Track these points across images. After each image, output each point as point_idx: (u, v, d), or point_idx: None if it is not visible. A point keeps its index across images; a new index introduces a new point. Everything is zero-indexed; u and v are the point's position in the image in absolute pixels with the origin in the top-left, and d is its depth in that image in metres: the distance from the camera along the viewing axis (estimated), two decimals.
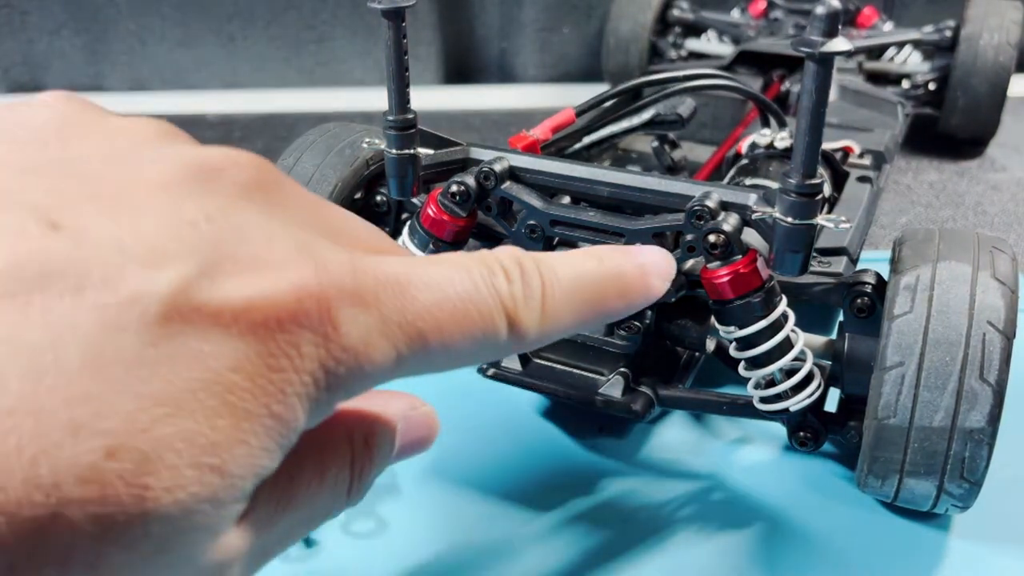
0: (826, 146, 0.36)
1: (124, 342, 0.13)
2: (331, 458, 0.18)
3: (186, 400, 0.13)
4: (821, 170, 0.22)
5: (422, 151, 0.28)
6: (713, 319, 0.27)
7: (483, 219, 0.29)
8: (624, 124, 0.38)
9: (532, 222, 0.28)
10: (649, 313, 0.29)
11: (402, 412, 0.20)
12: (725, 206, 0.25)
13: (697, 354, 0.31)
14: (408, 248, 0.30)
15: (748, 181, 0.37)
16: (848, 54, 0.20)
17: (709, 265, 0.25)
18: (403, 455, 0.20)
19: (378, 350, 0.15)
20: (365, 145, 0.30)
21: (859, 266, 0.29)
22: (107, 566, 0.13)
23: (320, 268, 0.15)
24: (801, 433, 0.28)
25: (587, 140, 0.36)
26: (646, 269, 0.21)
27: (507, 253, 0.18)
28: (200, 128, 0.67)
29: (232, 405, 0.14)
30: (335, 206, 0.19)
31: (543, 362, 0.30)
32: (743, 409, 0.28)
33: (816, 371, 0.27)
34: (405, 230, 0.30)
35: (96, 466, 0.12)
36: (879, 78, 0.57)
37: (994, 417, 0.23)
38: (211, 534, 0.14)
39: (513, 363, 0.30)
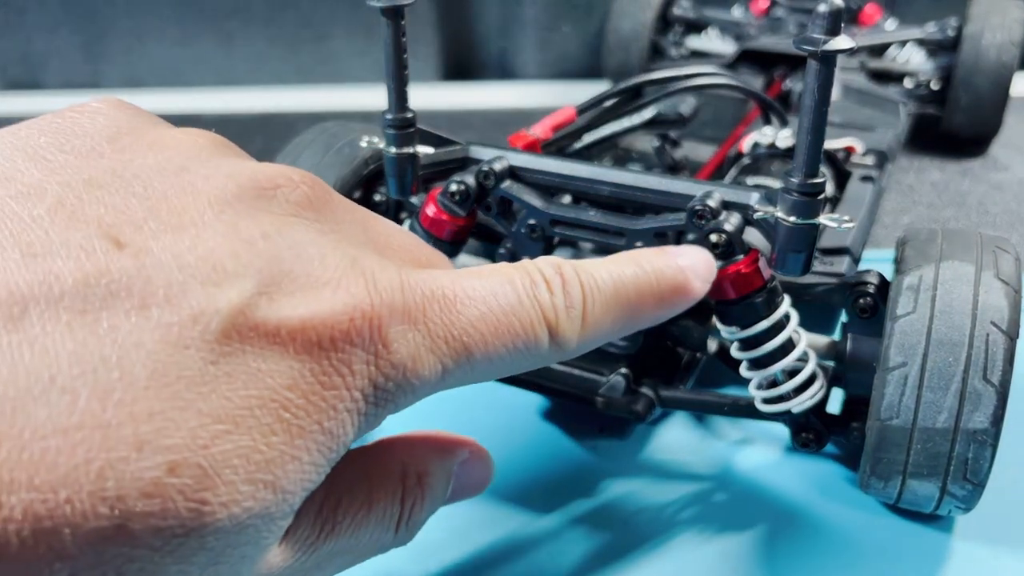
0: (828, 145, 0.36)
1: (187, 360, 0.13)
2: (380, 490, 0.18)
3: (243, 417, 0.13)
4: (823, 169, 0.22)
5: (421, 150, 0.28)
6: (715, 319, 0.26)
7: (483, 219, 0.29)
8: (625, 123, 0.37)
9: (532, 222, 0.28)
10: None
11: (459, 455, 0.20)
12: (727, 205, 0.25)
13: (698, 355, 0.31)
14: None
15: (750, 180, 0.37)
16: (850, 52, 0.20)
17: None
18: (456, 498, 0.20)
19: (425, 365, 0.16)
20: (364, 144, 0.30)
21: (861, 266, 0.29)
22: None
23: (371, 286, 0.15)
24: (803, 434, 0.27)
25: (588, 139, 0.36)
26: (686, 272, 0.21)
27: (548, 262, 0.18)
28: (198, 127, 0.66)
29: (286, 422, 0.14)
30: (381, 218, 0.19)
31: None
32: (745, 410, 0.28)
33: (819, 372, 0.27)
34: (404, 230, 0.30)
35: (159, 481, 0.12)
36: (882, 77, 0.56)
37: (997, 418, 0.23)
38: (259, 549, 0.14)
39: None
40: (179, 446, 0.13)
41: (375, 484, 0.18)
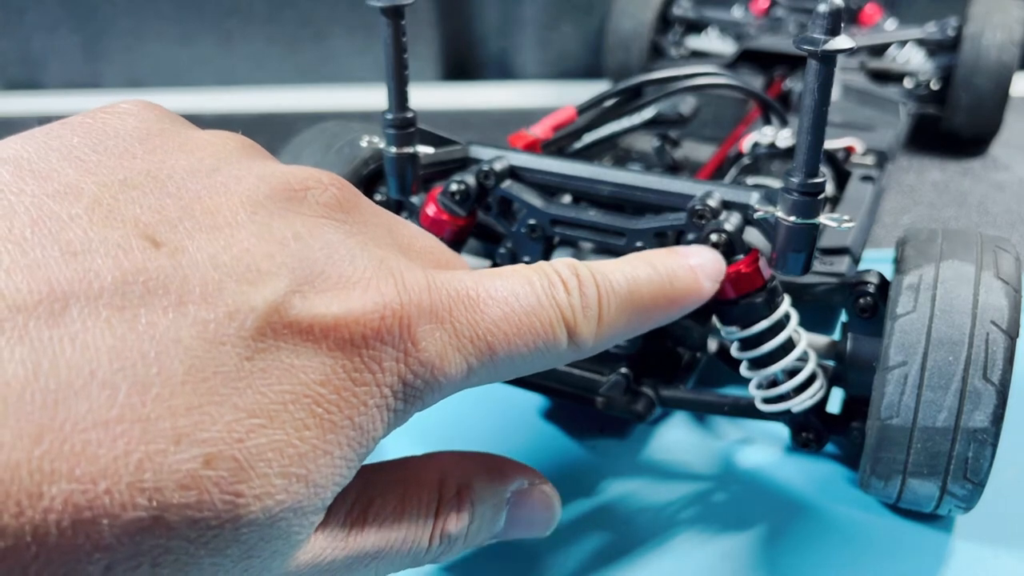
0: (828, 145, 0.36)
1: (223, 355, 0.13)
2: (415, 496, 0.18)
3: (278, 412, 0.14)
4: (824, 169, 0.22)
5: (421, 150, 0.28)
6: (715, 319, 0.26)
7: (483, 219, 0.29)
8: (625, 123, 0.37)
9: (532, 221, 0.28)
10: None
11: (514, 481, 0.20)
12: (727, 205, 0.25)
13: (699, 354, 0.31)
14: None
15: (750, 180, 0.37)
16: (850, 52, 0.20)
17: None
18: (515, 533, 0.20)
19: (452, 363, 0.16)
20: (364, 144, 0.30)
21: (862, 265, 0.29)
22: (196, 569, 0.13)
23: (400, 286, 0.16)
24: (803, 434, 0.27)
25: (588, 139, 0.36)
26: (697, 272, 0.21)
27: (565, 264, 0.19)
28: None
29: (319, 417, 0.14)
30: (405, 221, 0.20)
31: None
32: (745, 410, 0.28)
33: (819, 371, 0.27)
34: None
35: (195, 473, 0.13)
36: (882, 77, 0.56)
37: (998, 417, 0.23)
38: (291, 544, 0.15)
39: None
40: (215, 439, 0.13)
41: (410, 490, 0.18)
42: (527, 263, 0.29)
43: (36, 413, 0.12)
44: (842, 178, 0.38)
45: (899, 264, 0.26)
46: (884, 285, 0.26)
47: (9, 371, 0.12)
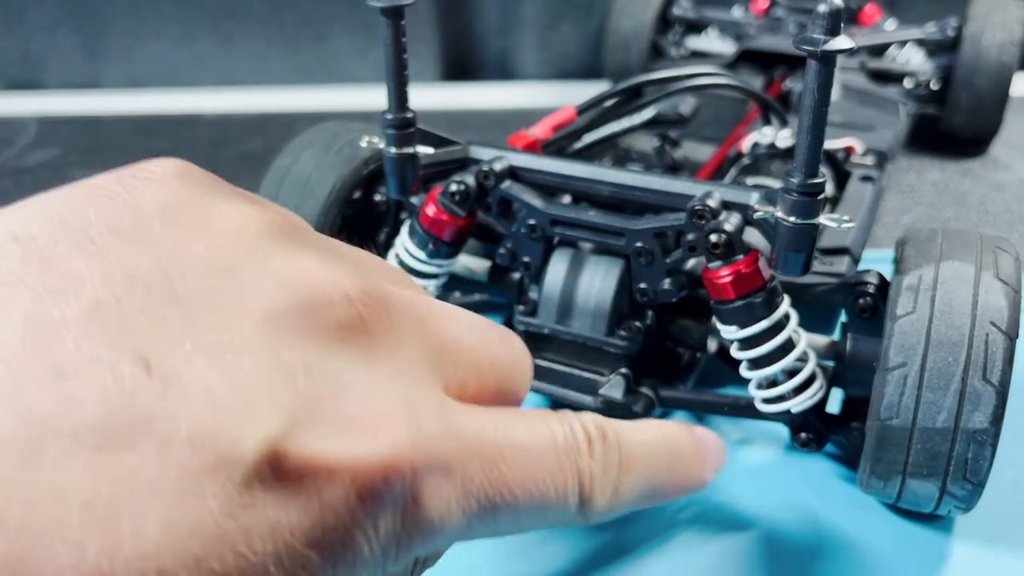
0: (828, 145, 0.36)
1: (203, 513, 0.13)
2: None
3: None
4: (823, 169, 0.22)
5: (421, 150, 0.28)
6: (714, 319, 0.26)
7: (483, 219, 0.29)
8: (625, 123, 0.37)
9: (532, 221, 0.28)
10: (650, 313, 0.28)
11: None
12: (726, 205, 0.25)
13: (698, 355, 0.31)
14: (407, 248, 0.29)
15: (750, 180, 0.37)
16: (850, 52, 0.20)
17: (710, 265, 0.25)
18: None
19: (452, 522, 0.15)
20: (364, 144, 0.30)
21: (861, 266, 0.29)
22: None
23: (415, 431, 0.15)
24: (803, 434, 0.27)
25: (588, 139, 0.36)
26: (706, 462, 0.21)
27: (593, 423, 0.18)
28: (198, 127, 0.66)
29: None
30: (451, 316, 0.18)
31: (544, 363, 0.30)
32: (745, 410, 0.28)
33: (818, 372, 0.27)
34: (404, 230, 0.30)
35: None
36: (882, 77, 0.56)
37: (997, 418, 0.23)
38: None
39: None
40: None
41: None
42: (526, 263, 0.29)
43: None
44: (842, 178, 0.38)
45: (899, 264, 0.26)
46: (884, 285, 0.26)
47: None
